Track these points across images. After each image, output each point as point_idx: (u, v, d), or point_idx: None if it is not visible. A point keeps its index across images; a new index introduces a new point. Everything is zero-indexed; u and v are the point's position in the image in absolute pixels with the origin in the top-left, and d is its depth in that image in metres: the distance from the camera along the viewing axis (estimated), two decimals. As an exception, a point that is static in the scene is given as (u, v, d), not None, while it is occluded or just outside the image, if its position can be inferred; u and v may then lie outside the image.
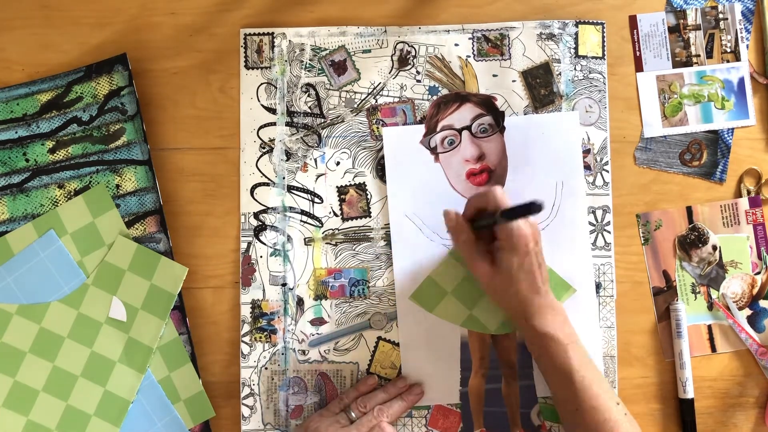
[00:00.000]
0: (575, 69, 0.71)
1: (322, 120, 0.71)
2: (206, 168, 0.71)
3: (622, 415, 0.61)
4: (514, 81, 0.71)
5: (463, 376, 0.69)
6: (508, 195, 0.70)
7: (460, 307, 0.69)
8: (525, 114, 0.71)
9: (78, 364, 0.67)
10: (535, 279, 0.62)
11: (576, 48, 0.71)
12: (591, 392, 0.60)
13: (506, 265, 0.62)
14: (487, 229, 0.64)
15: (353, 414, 0.64)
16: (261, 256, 0.70)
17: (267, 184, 0.70)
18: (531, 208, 0.56)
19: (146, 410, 0.68)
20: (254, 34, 0.71)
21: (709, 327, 0.71)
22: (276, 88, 0.71)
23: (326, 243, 0.70)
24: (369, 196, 0.70)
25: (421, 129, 0.70)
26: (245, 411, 0.69)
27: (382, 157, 0.70)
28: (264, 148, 0.70)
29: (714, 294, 0.71)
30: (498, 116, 0.70)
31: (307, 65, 0.71)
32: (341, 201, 0.70)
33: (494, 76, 0.71)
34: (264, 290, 0.70)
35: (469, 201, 0.64)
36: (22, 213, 0.69)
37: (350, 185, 0.71)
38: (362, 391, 0.67)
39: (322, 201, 0.70)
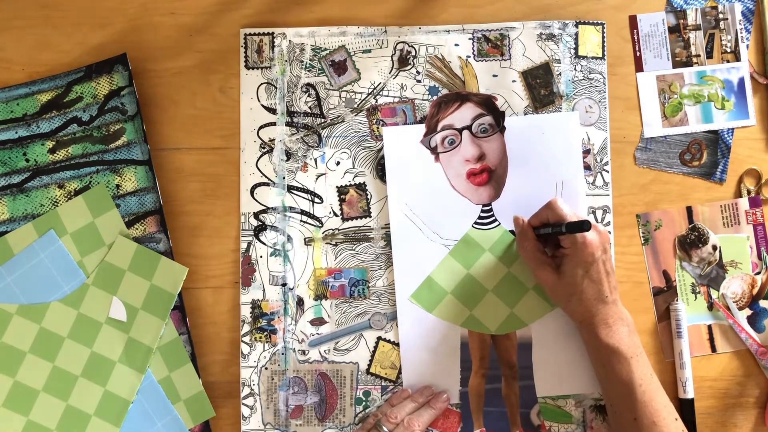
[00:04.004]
0: (575, 69, 0.71)
1: (322, 120, 0.71)
2: (206, 168, 0.71)
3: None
4: (514, 81, 0.71)
5: (463, 376, 0.69)
6: (508, 195, 0.70)
7: (460, 307, 0.69)
8: (525, 114, 0.71)
9: (78, 364, 0.67)
10: (602, 288, 0.62)
11: (576, 48, 0.71)
12: (651, 407, 0.61)
13: (570, 274, 0.62)
14: (551, 237, 0.64)
15: (385, 428, 0.64)
16: (261, 256, 0.70)
17: (267, 184, 0.70)
18: (583, 227, 0.59)
19: (146, 410, 0.68)
20: (254, 34, 0.71)
21: (709, 327, 0.71)
22: (276, 88, 0.71)
23: (326, 243, 0.70)
24: (369, 196, 0.70)
25: (422, 129, 0.70)
26: (245, 411, 0.69)
27: (382, 157, 0.70)
28: (264, 148, 0.70)
29: (714, 294, 0.71)
30: (498, 116, 0.70)
31: (307, 65, 0.71)
32: (341, 201, 0.70)
33: (494, 76, 0.71)
34: (264, 290, 0.70)
35: (536, 212, 0.65)
36: (22, 213, 0.69)
37: (350, 185, 0.71)
38: (394, 404, 0.67)
39: (322, 201, 0.70)
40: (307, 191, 0.70)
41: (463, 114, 0.70)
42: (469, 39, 0.71)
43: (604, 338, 0.62)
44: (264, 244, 0.70)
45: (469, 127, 0.70)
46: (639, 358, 0.62)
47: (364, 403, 0.69)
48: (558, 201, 0.63)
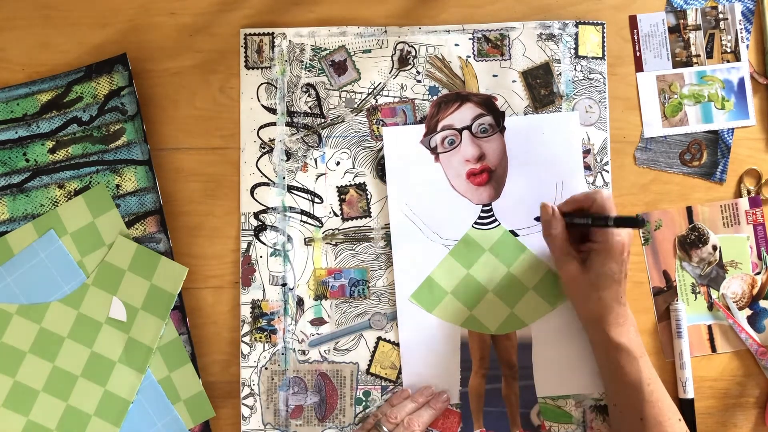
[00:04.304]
0: (575, 69, 0.71)
1: (322, 120, 0.71)
2: (206, 168, 0.71)
3: None
4: (514, 81, 0.71)
5: (463, 376, 0.69)
6: (508, 195, 0.70)
7: (460, 307, 0.69)
8: (525, 114, 0.71)
9: (78, 364, 0.67)
10: (620, 289, 0.62)
11: (576, 48, 0.71)
12: (657, 407, 0.61)
13: (597, 269, 0.62)
14: (580, 228, 0.64)
15: (385, 428, 0.64)
16: (261, 256, 0.70)
17: (267, 184, 0.70)
18: (637, 222, 0.58)
19: (146, 410, 0.68)
20: (254, 34, 0.71)
21: (709, 327, 0.71)
22: (276, 88, 0.71)
23: (326, 243, 0.70)
24: (369, 196, 0.70)
25: (422, 129, 0.70)
26: (245, 411, 0.69)
27: (382, 157, 0.70)
28: (264, 148, 0.70)
29: (714, 294, 0.71)
30: (498, 116, 0.70)
31: (308, 65, 0.71)
32: (341, 201, 0.70)
33: (494, 76, 0.71)
34: (264, 290, 0.70)
35: (572, 197, 0.65)
36: (22, 213, 0.69)
37: (350, 185, 0.71)
38: (394, 404, 0.67)
39: (322, 201, 0.70)
40: (307, 191, 0.70)
41: (463, 114, 0.70)
42: (469, 39, 0.71)
43: (615, 337, 0.62)
44: (264, 244, 0.70)
45: (469, 127, 0.70)
46: (646, 358, 0.62)
47: (364, 403, 0.69)
48: (605, 191, 0.63)
